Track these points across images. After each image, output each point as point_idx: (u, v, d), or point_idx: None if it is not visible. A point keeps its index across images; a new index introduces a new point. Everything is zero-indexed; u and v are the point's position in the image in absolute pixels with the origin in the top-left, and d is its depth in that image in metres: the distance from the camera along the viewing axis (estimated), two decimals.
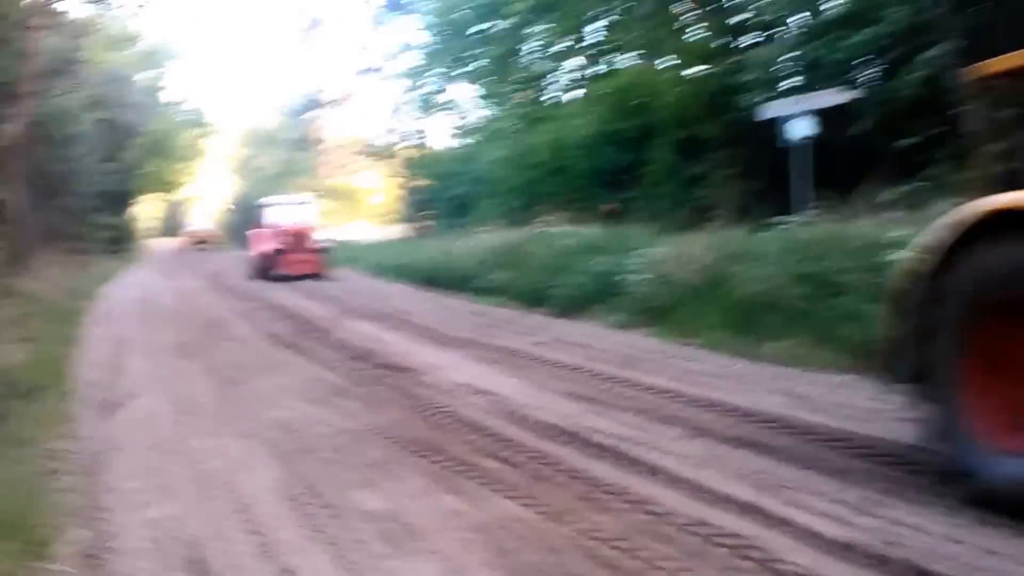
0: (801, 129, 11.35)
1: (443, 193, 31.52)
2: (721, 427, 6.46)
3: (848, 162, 12.60)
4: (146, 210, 60.45)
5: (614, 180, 20.34)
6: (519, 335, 11.55)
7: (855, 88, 13.08)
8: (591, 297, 13.49)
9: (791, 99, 12.41)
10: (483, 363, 9.48)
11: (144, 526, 4.83)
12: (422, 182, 34.33)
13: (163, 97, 47.57)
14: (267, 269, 22.65)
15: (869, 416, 6.53)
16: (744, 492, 4.94)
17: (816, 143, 12.29)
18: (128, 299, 18.36)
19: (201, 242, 46.36)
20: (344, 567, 4.23)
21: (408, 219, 35.70)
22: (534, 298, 14.98)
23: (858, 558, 4.05)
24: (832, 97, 11.61)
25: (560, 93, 27.26)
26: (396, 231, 36.49)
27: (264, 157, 59.17)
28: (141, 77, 40.69)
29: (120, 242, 36.89)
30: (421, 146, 35.55)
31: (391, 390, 8.25)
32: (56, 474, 5.73)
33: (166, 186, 54.86)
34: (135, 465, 6.00)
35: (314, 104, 50.38)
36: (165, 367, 9.90)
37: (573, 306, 13.79)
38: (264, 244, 23.44)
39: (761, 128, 13.34)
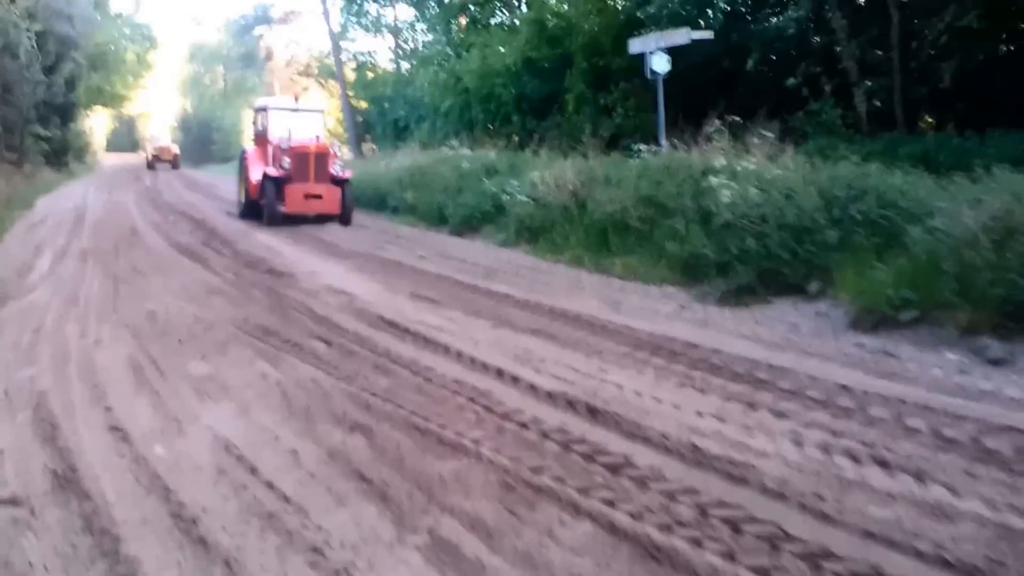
0: (660, 65, 12.22)
1: (383, 117, 32.22)
2: (527, 322, 7.54)
3: (718, 97, 13.60)
4: (96, 125, 60.04)
5: (537, 108, 21.22)
6: (407, 250, 12.54)
7: (708, 28, 13.99)
8: (483, 217, 14.55)
9: (652, 35, 13.25)
10: (359, 272, 10.47)
11: (1, 382, 5.79)
12: (364, 104, 34.97)
13: (106, 9, 47.06)
14: (264, 205, 16.27)
15: (652, 316, 7.67)
16: (504, 363, 6.08)
17: (691, 77, 13.26)
18: (60, 210, 19.01)
19: (158, 158, 44.81)
20: (157, 408, 5.27)
21: (350, 141, 36.30)
22: (437, 217, 16.03)
23: (555, 402, 5.20)
24: (685, 35, 12.47)
25: (493, 20, 27.71)
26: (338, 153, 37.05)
27: (211, 74, 58.97)
28: None
29: (64, 155, 37.03)
30: (364, 68, 35.92)
31: (263, 291, 9.21)
32: None
33: (113, 100, 54.56)
34: (9, 341, 6.96)
35: (261, 20, 50.13)
36: (69, 269, 10.75)
37: (468, 225, 14.85)
38: (259, 168, 17.09)
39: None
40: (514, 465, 4.30)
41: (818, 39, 15.19)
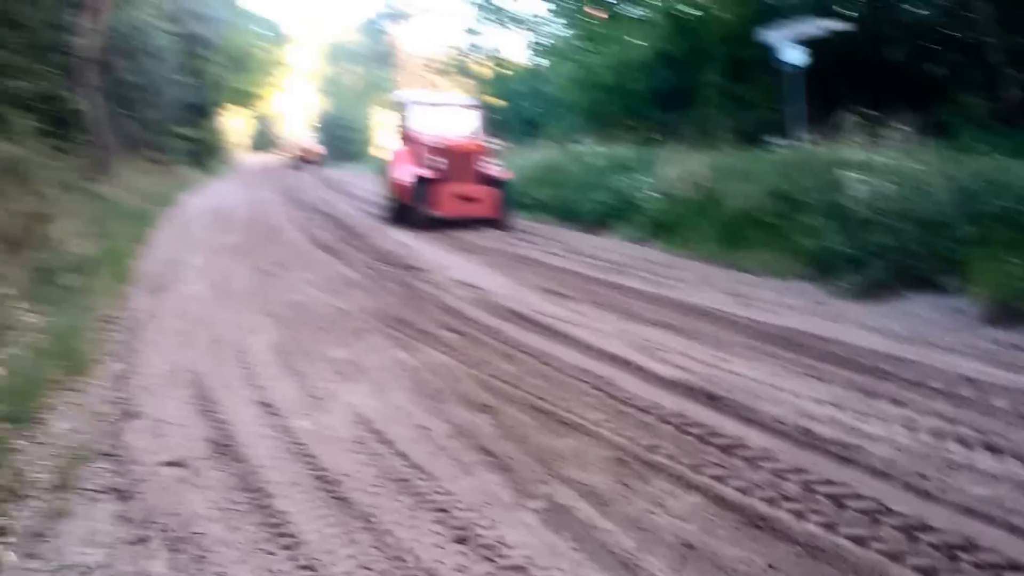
0: (795, 56, 12.11)
1: (515, 112, 32.64)
2: (653, 315, 7.75)
3: (858, 88, 13.40)
4: (234, 124, 62.65)
5: (671, 101, 21.17)
6: (537, 246, 12.85)
7: (849, 17, 13.69)
8: (615, 213, 14.67)
9: (786, 26, 13.07)
10: (489, 267, 10.82)
11: (164, 363, 6.38)
12: (496, 101, 35.47)
13: (242, 10, 49.05)
14: (413, 208, 15.03)
15: (780, 310, 7.78)
16: (627, 352, 6.34)
17: (829, 67, 13.02)
18: (202, 207, 20.11)
19: (304, 159, 44.43)
20: (301, 387, 5.73)
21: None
22: (567, 213, 16.23)
23: (675, 389, 5.40)
24: (820, 26, 12.28)
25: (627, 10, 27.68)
26: None
27: (347, 74, 60.86)
28: None
29: (203, 154, 38.83)
30: (497, 63, 36.43)
31: (397, 284, 9.68)
32: (105, 329, 7.34)
33: (249, 100, 56.77)
34: (167, 328, 7.57)
35: (393, 18, 51.43)
36: (216, 263, 11.48)
37: (599, 221, 15.02)
38: (407, 168, 15.64)
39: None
40: (630, 443, 4.56)
41: (962, 28, 14.69)
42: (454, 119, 16.41)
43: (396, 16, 51.48)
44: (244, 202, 21.99)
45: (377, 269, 10.80)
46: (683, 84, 20.17)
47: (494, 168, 15.25)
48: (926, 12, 14.24)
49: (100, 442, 4.81)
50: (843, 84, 14.03)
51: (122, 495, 4.14)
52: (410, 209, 15.15)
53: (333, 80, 64.28)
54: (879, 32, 14.73)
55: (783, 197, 10.64)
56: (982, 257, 7.51)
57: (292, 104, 70.25)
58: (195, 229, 15.48)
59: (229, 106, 51.40)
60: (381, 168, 17.64)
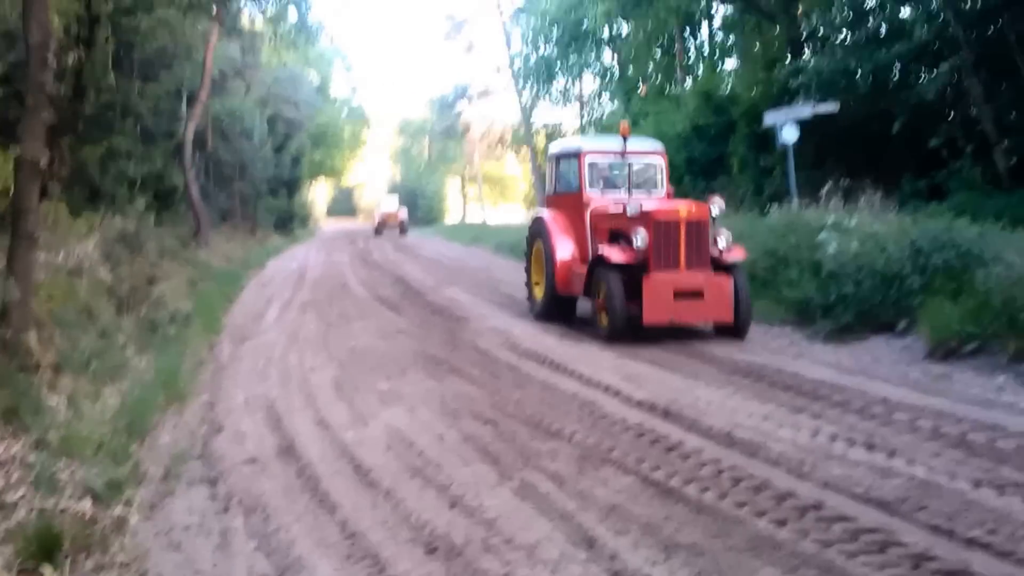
0: (790, 135, 13.54)
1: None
2: (647, 354, 9.09)
3: (864, 157, 14.78)
4: (317, 194, 65.91)
5: (706, 169, 22.80)
6: None
7: (835, 101, 15.08)
8: None
9: (783, 109, 14.59)
10: (521, 317, 12.24)
11: (243, 393, 7.95)
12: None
13: (327, 92, 52.25)
14: (610, 311, 10.02)
15: (756, 350, 9.09)
16: (614, 381, 7.76)
17: (832, 141, 14.54)
18: (284, 269, 22.04)
19: (385, 223, 43.29)
20: (351, 410, 7.23)
21: (541, 202, 39.01)
22: None
23: (642, 407, 6.77)
24: (810, 109, 13.74)
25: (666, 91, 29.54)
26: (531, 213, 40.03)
27: (417, 146, 64.00)
28: (308, 76, 45.07)
29: (290, 222, 41.39)
30: (553, 135, 38.55)
31: (441, 331, 11.17)
32: (197, 369, 8.98)
33: (331, 172, 60.08)
34: (248, 368, 9.18)
35: (461, 96, 54.08)
36: (290, 316, 13.13)
37: None
38: (568, 245, 11.74)
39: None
40: (595, 445, 5.92)
41: (956, 104, 16.04)
42: (639, 173, 11.90)
43: (463, 95, 54.12)
44: (320, 264, 23.88)
45: (426, 320, 12.35)
46: (716, 154, 21.76)
47: (724, 244, 10.37)
48: (924, 89, 15.51)
49: (195, 448, 6.35)
50: (855, 153, 15.42)
51: (211, 482, 5.64)
52: (568, 301, 11.80)
53: (404, 152, 67.59)
54: (885, 107, 16.10)
55: (774, 254, 11.88)
56: (928, 303, 8.73)
57: (370, 173, 73.69)
58: (275, 288, 17.25)
59: (313, 177, 54.28)
60: (526, 246, 13.07)
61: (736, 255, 10.31)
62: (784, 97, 18.02)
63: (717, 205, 10.48)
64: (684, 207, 10.26)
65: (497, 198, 61.21)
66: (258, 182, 34.02)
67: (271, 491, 5.38)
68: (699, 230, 10.15)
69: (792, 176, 13.80)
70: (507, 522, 4.66)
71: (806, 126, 13.62)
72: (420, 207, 60.33)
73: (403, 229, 42.91)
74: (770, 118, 14.50)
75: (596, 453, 5.77)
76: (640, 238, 9.98)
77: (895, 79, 17.10)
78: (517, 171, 56.45)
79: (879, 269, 9.46)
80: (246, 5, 24.71)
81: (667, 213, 10.16)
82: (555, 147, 13.45)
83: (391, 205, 45.99)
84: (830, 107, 14.20)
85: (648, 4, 25.81)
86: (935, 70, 15.33)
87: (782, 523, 4.46)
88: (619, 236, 10.61)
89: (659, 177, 11.91)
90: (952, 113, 16.08)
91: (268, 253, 27.03)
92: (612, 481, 5.23)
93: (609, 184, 11.74)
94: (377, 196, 59.45)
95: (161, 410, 7.28)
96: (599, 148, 12.04)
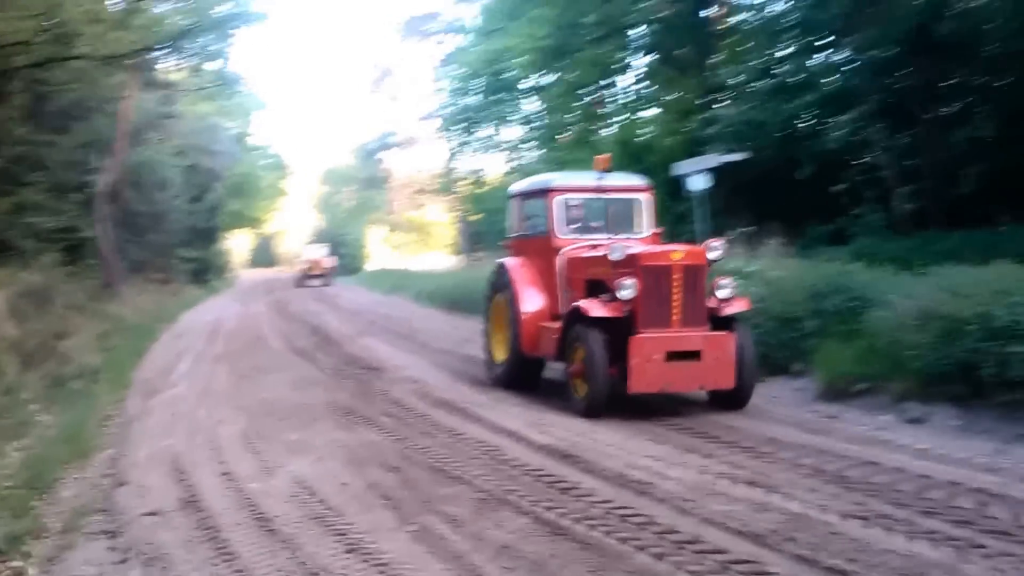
0: (696, 184, 14.04)
1: (492, 225, 34.94)
2: (554, 400, 9.30)
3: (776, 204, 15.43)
4: (237, 244, 65.28)
5: None
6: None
7: (746, 150, 15.74)
8: None
9: (691, 160, 15.15)
10: (436, 366, 12.41)
11: (149, 447, 7.95)
12: (476, 216, 38.05)
13: (247, 142, 52.05)
14: (590, 378, 8.39)
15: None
16: (520, 428, 7.97)
17: (742, 188, 15.13)
18: (199, 322, 21.76)
19: (309, 273, 41.49)
20: (257, 460, 7.29)
21: (464, 249, 39.36)
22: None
23: (543, 451, 6.97)
24: (716, 159, 14.29)
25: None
26: (455, 261, 40.33)
27: (340, 194, 64.08)
28: (226, 125, 44.87)
29: (206, 273, 40.85)
30: (477, 183, 38.99)
31: (354, 381, 11.27)
32: (104, 424, 8.94)
33: (251, 222, 59.69)
34: (155, 422, 9.16)
35: (384, 145, 54.42)
36: (202, 369, 13.08)
37: None
38: (536, 298, 10.13)
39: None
40: (495, 488, 6.10)
41: (859, 152, 16.86)
42: (618, 212, 10.37)
43: (386, 144, 54.53)
44: (236, 315, 23.65)
45: (340, 370, 12.41)
46: None
47: (725, 294, 8.90)
48: (828, 139, 16.27)
49: (97, 501, 6.37)
50: (761, 202, 16.06)
51: (111, 534, 5.68)
52: (535, 364, 10.25)
53: (329, 200, 67.58)
54: (793, 156, 16.83)
55: None
56: (822, 346, 9.15)
57: (290, 222, 73.38)
58: (188, 341, 17.10)
59: (231, 228, 53.80)
60: (484, 300, 11.32)
61: (738, 307, 8.83)
62: (698, 146, 18.62)
63: (715, 249, 8.93)
64: (677, 251, 8.80)
65: (419, 246, 61.44)
66: (174, 233, 33.62)
67: (171, 542, 5.44)
68: (695, 278, 8.65)
69: (700, 223, 14.24)
70: (401, 565, 4.80)
71: (718, 174, 14.07)
72: (343, 255, 60.16)
73: (327, 281, 40.92)
74: (680, 168, 14.97)
75: (495, 495, 5.96)
76: (628, 288, 8.40)
77: (803, 127, 17.83)
78: (442, 218, 56.82)
79: (776, 313, 9.84)
80: (165, 56, 24.77)
81: (657, 257, 8.73)
82: (519, 185, 11.92)
83: (317, 252, 44.37)
84: (738, 156, 14.73)
85: (570, 55, 26.53)
86: (840, 118, 16.05)
87: (661, 556, 4.69)
88: (598, 286, 9.09)
89: (643, 217, 10.33)
90: (855, 161, 16.82)
91: (183, 305, 26.66)
92: (507, 522, 5.41)
93: (584, 226, 10.22)
94: (300, 245, 57.96)
95: (64, 465, 7.27)
96: (571, 185, 10.34)
